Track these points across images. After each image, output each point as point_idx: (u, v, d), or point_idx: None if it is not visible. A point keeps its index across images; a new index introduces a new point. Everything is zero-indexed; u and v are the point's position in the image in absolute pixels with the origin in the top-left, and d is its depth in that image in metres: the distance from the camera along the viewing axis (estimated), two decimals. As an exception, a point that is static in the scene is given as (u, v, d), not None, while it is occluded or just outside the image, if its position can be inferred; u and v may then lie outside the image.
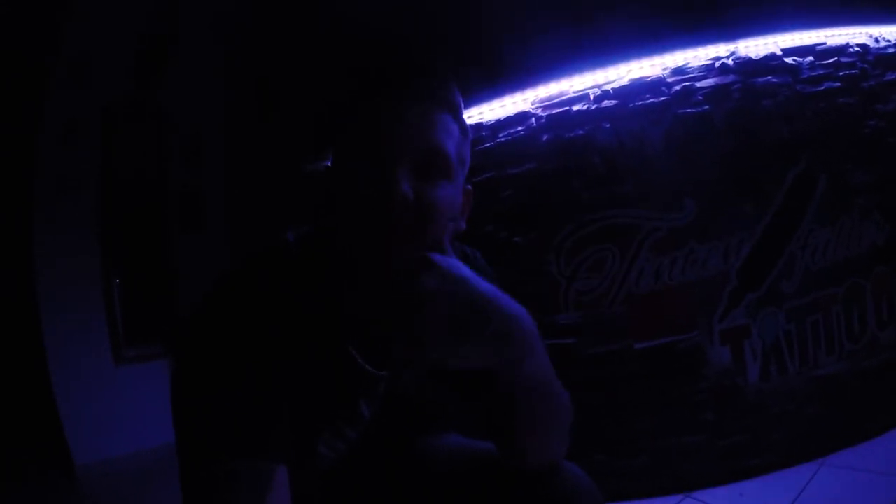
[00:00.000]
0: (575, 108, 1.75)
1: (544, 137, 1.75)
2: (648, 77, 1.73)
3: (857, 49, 1.91)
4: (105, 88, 2.99)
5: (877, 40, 1.97)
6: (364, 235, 0.58)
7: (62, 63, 2.79)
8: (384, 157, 0.58)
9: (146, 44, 3.13)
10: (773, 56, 1.80)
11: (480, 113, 1.82)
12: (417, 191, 0.58)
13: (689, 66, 1.75)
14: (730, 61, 1.77)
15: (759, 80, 1.77)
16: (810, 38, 1.86)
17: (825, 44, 1.88)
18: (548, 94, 1.77)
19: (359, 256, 0.60)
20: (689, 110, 1.72)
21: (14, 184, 2.77)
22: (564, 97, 1.76)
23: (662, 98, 1.72)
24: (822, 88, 1.82)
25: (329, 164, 0.64)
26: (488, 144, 1.81)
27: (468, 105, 1.78)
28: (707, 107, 1.72)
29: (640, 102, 1.72)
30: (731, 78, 1.76)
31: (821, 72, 1.84)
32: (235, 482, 0.52)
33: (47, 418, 2.67)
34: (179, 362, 0.58)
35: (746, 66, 1.77)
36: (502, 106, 1.79)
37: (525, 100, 1.78)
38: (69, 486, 2.59)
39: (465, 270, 0.56)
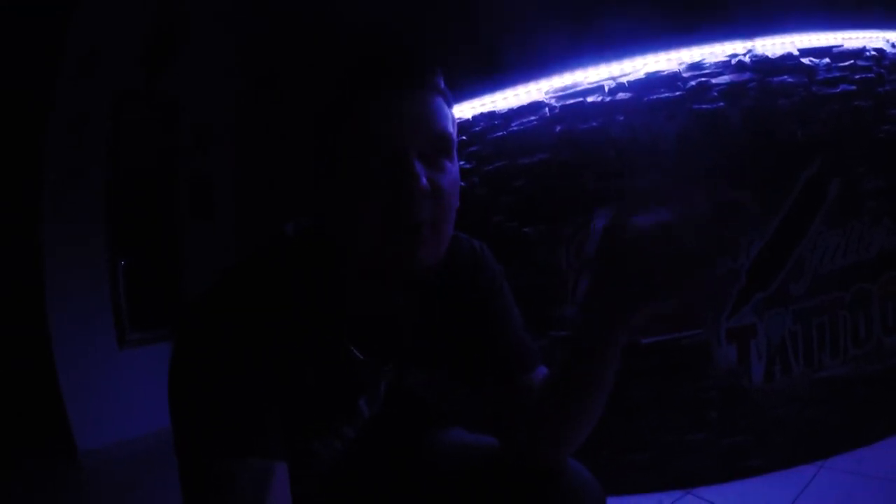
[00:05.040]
0: (589, 99, 1.74)
1: (557, 128, 1.74)
2: (664, 71, 1.72)
3: (873, 53, 1.90)
4: (115, 77, 2.98)
5: (893, 45, 1.95)
6: (387, 232, 0.57)
7: (72, 52, 2.78)
8: (397, 150, 0.57)
9: (156, 34, 3.12)
10: (789, 56, 1.79)
11: (493, 101, 1.81)
12: (431, 180, 0.57)
13: (706, 61, 1.74)
14: (746, 59, 1.76)
15: (776, 79, 1.76)
16: (827, 39, 1.85)
17: (842, 46, 1.87)
18: (562, 85, 1.75)
19: (371, 253, 0.58)
20: (704, 106, 1.71)
21: (24, 168, 2.76)
22: (579, 88, 1.75)
23: (678, 93, 1.71)
24: (838, 91, 1.81)
25: (323, 161, 0.62)
26: (500, 133, 1.80)
27: (480, 93, 1.79)
28: (722, 104, 1.71)
29: (655, 96, 1.71)
30: (747, 76, 1.74)
31: (837, 74, 1.83)
32: (235, 481, 0.52)
33: (50, 401, 2.66)
34: (177, 359, 0.57)
35: (763, 65, 1.76)
36: (515, 95, 1.78)
37: (539, 89, 1.76)
38: (72, 469, 2.58)
39: None
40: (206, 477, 0.52)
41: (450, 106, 0.63)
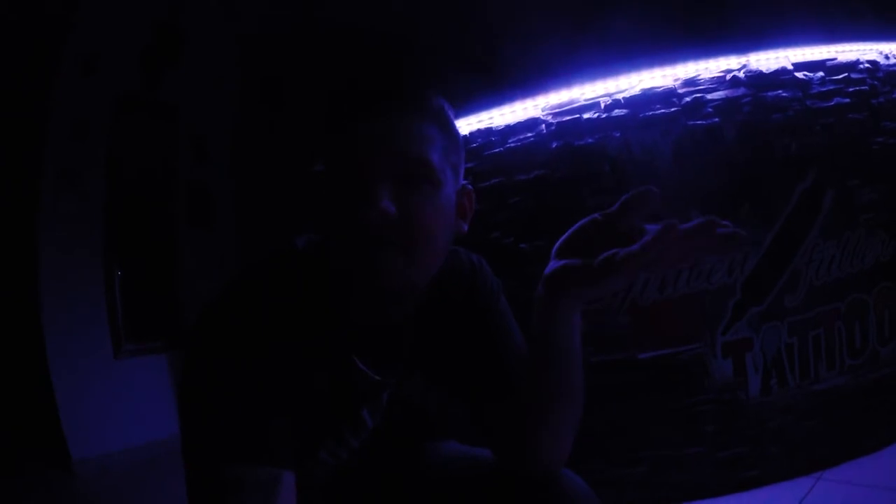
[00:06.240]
0: (585, 116, 1.75)
1: (554, 144, 1.75)
2: (660, 87, 1.73)
3: (867, 65, 1.92)
4: (115, 84, 2.98)
5: (887, 57, 1.97)
6: (352, 252, 0.58)
7: (72, 58, 2.77)
8: (363, 173, 0.58)
9: (156, 40, 3.12)
10: (783, 70, 1.81)
11: (490, 118, 1.82)
12: (401, 204, 0.58)
13: (701, 77, 1.75)
14: (741, 74, 1.77)
15: (770, 93, 1.77)
16: (821, 53, 1.87)
17: (836, 59, 1.88)
18: (558, 101, 1.76)
19: (350, 272, 0.60)
20: (699, 122, 1.72)
21: (21, 175, 2.76)
22: (575, 105, 1.76)
23: (673, 109, 1.72)
24: (832, 104, 1.82)
25: (319, 177, 0.64)
26: (497, 150, 1.80)
27: (477, 110, 1.79)
28: (717, 119, 1.72)
29: (651, 113, 1.72)
30: (741, 91, 1.76)
31: (831, 87, 1.84)
32: (242, 488, 0.52)
33: (45, 409, 2.66)
34: (186, 368, 0.58)
35: (757, 80, 1.77)
36: (512, 111, 1.79)
37: (535, 106, 1.77)
38: (65, 479, 2.58)
39: None
40: (214, 483, 0.53)
41: (442, 130, 0.64)
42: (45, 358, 2.68)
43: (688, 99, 1.73)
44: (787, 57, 1.81)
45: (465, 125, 1.85)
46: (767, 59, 1.79)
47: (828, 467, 1.71)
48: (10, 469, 2.60)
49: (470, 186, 0.70)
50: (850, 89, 1.86)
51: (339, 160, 0.60)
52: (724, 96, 1.74)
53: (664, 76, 1.73)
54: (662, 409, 1.68)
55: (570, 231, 0.63)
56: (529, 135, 1.78)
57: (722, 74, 1.76)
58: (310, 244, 0.68)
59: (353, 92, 0.62)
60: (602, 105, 1.74)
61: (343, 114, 0.61)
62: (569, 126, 1.75)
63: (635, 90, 1.73)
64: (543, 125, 1.77)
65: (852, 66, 1.89)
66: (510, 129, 1.80)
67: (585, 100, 1.75)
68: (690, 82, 1.74)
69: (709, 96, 1.74)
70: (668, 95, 1.73)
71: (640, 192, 0.58)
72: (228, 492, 0.52)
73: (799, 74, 1.81)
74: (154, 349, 3.05)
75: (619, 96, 1.73)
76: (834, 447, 1.73)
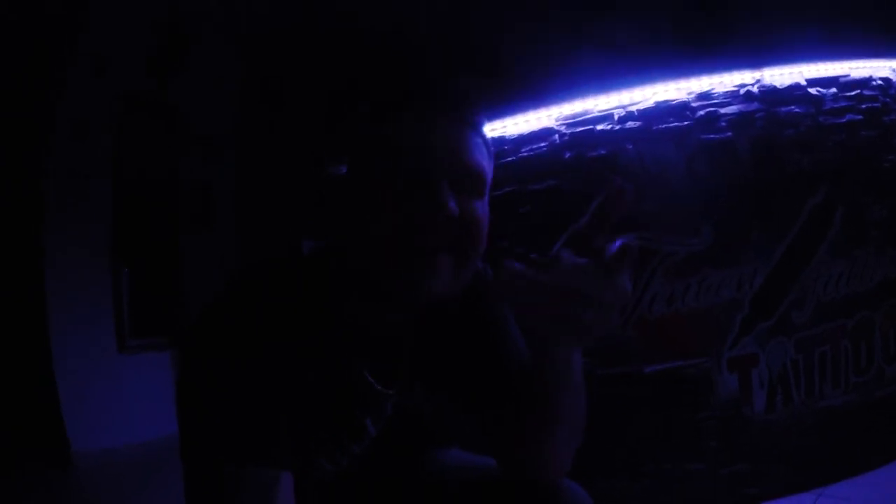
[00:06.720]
0: (598, 127, 1.75)
1: (566, 155, 1.75)
2: (673, 101, 1.73)
3: (879, 82, 1.92)
4: (119, 84, 2.98)
5: (900, 74, 1.97)
6: (399, 256, 0.57)
7: (77, 59, 2.78)
8: (429, 174, 0.57)
9: (161, 41, 3.12)
10: (797, 86, 1.81)
11: (504, 127, 1.82)
12: (460, 208, 0.57)
13: (715, 91, 1.75)
14: (755, 89, 1.77)
15: (783, 109, 1.77)
16: (835, 69, 1.87)
17: (849, 76, 1.88)
18: (572, 112, 1.77)
19: (388, 275, 0.58)
20: (712, 136, 1.72)
21: (28, 172, 2.76)
22: (588, 116, 1.76)
23: (686, 122, 1.72)
24: (844, 120, 1.83)
25: (344, 179, 0.62)
26: (510, 159, 1.80)
27: (492, 118, 1.78)
28: (730, 133, 1.73)
29: (664, 125, 1.72)
30: (755, 106, 1.76)
31: (843, 104, 1.84)
32: (240, 488, 0.52)
33: (47, 404, 2.66)
34: (186, 367, 0.57)
35: (771, 95, 1.77)
36: (526, 121, 1.79)
37: (549, 116, 1.78)
38: (65, 474, 2.59)
39: None
40: (213, 483, 0.53)
41: (486, 147, 0.64)
42: (49, 351, 2.67)
43: (701, 113, 1.73)
44: (800, 72, 1.82)
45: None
46: (781, 75, 1.79)
47: (828, 484, 1.71)
48: (10, 460, 2.59)
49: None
50: (863, 106, 1.86)
51: (398, 159, 0.58)
52: (737, 111, 1.74)
53: (678, 89, 1.73)
54: (667, 423, 1.69)
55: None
56: (542, 144, 1.78)
57: (736, 89, 1.76)
58: (315, 250, 0.68)
59: (417, 96, 0.61)
60: (616, 117, 1.74)
61: (403, 116, 0.60)
62: (582, 137, 1.75)
63: (649, 103, 1.73)
64: (556, 135, 1.77)
65: (865, 82, 1.89)
66: (523, 139, 1.80)
67: (599, 111, 1.75)
68: (704, 96, 1.74)
69: (722, 110, 1.74)
70: (681, 109, 1.73)
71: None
72: (225, 492, 0.52)
73: (812, 90, 1.81)
74: (158, 345, 3.06)
75: (633, 108, 1.73)
76: (836, 464, 1.73)
